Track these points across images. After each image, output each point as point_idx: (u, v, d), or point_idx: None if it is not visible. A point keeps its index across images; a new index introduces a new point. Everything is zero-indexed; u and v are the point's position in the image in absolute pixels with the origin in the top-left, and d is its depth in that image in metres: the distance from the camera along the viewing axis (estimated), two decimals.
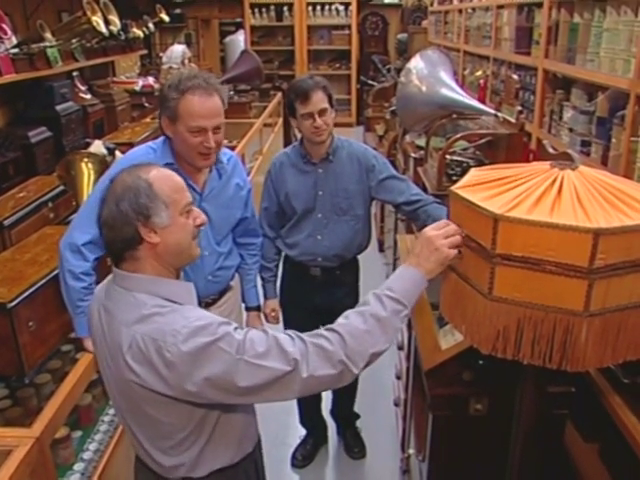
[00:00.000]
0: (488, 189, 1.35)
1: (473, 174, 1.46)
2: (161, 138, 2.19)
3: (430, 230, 1.43)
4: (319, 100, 2.48)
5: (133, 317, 1.37)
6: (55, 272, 2.14)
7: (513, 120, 2.71)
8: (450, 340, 1.85)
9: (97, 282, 2.10)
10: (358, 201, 2.64)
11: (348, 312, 1.43)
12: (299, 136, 2.69)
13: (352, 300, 2.73)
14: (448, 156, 2.92)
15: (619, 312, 1.24)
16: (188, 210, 1.47)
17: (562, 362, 1.26)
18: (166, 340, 1.32)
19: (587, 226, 1.17)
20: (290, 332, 1.41)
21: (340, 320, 1.41)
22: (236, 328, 1.38)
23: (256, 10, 10.51)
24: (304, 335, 1.39)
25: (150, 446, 1.51)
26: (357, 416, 3.29)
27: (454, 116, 3.05)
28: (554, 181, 1.29)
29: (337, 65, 10.90)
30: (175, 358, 1.31)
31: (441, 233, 1.40)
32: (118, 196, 1.40)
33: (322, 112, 2.49)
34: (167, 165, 2.06)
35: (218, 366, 1.32)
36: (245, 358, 1.32)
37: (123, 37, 5.43)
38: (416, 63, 2.76)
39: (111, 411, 2.45)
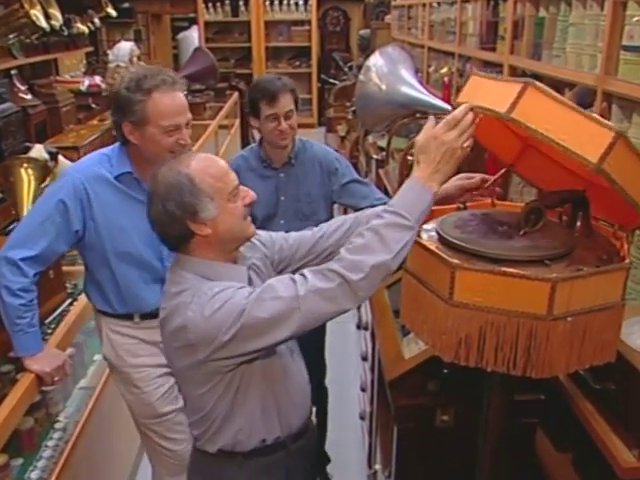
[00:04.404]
0: None
1: None
2: (114, 146, 2.14)
3: (444, 132, 1.41)
4: (287, 102, 2.49)
5: (172, 291, 1.54)
6: None
7: None
8: (414, 349, 1.87)
9: (38, 298, 2.07)
10: (321, 206, 2.65)
11: None
12: (258, 138, 2.67)
13: None
14: (410, 157, 2.94)
15: (584, 315, 1.28)
16: (235, 194, 1.53)
17: (527, 368, 1.29)
18: (193, 301, 1.46)
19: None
20: None
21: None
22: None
23: (210, 5, 10.47)
24: None
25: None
26: (328, 459, 3.10)
27: (417, 115, 3.08)
28: None
29: (297, 63, 10.92)
30: (197, 314, 1.44)
31: (455, 134, 1.41)
32: (162, 196, 1.49)
33: (288, 115, 2.50)
34: (125, 174, 2.06)
35: (239, 308, 1.42)
36: (262, 296, 1.43)
37: (66, 33, 5.34)
38: (375, 60, 2.78)
39: (56, 435, 2.41)
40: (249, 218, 1.58)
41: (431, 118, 1.49)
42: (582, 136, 1.24)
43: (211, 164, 1.54)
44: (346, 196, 2.65)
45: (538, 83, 1.33)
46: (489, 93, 1.40)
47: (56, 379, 2.11)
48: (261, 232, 1.73)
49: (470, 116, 1.41)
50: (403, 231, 1.40)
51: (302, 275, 1.44)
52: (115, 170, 2.06)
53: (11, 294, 1.98)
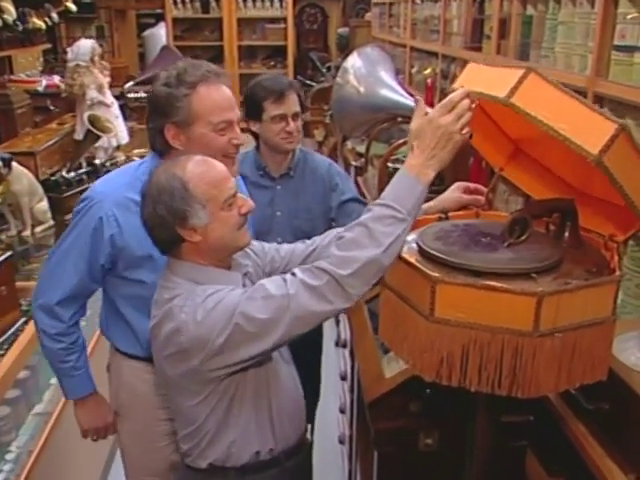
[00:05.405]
0: None
1: None
2: (146, 158, 2.01)
3: (440, 116, 1.42)
4: (294, 102, 2.50)
5: (165, 298, 1.56)
6: None
7: None
8: (395, 368, 1.87)
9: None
10: (321, 222, 2.61)
11: None
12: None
13: (316, 332, 2.71)
14: (390, 164, 2.95)
15: (572, 331, 1.28)
16: (230, 203, 1.56)
17: (512, 388, 1.29)
18: (185, 304, 1.50)
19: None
20: None
21: None
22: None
23: (179, 0, 10.47)
24: None
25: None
26: None
27: (399, 119, 3.10)
28: None
29: (272, 63, 10.92)
30: (189, 316, 1.48)
31: (452, 118, 1.41)
32: (154, 198, 1.53)
33: (295, 116, 2.51)
34: None
35: (230, 307, 1.47)
36: (253, 295, 1.49)
37: (20, 28, 5.28)
38: (354, 62, 2.80)
39: (6, 467, 2.38)
40: (245, 227, 1.60)
41: (421, 100, 1.49)
42: (583, 126, 1.25)
43: (208, 169, 1.55)
44: (342, 216, 2.59)
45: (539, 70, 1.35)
46: (488, 79, 1.43)
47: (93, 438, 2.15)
48: (254, 242, 1.75)
49: (467, 101, 1.43)
50: (394, 224, 1.41)
51: (292, 274, 1.48)
52: None
53: (49, 338, 1.97)
